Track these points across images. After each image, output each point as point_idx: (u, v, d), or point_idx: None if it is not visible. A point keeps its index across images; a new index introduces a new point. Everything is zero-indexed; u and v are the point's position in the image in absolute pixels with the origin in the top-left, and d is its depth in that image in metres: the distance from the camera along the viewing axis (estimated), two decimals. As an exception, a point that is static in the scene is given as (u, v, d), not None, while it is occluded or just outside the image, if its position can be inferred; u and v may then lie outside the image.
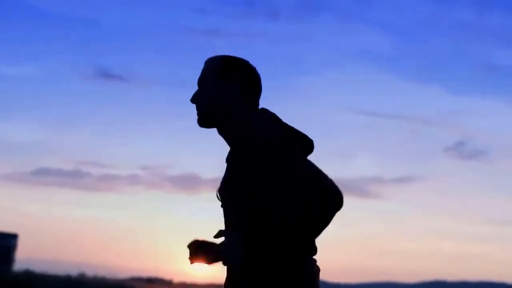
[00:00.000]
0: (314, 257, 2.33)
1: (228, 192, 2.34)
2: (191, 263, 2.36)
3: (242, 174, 2.29)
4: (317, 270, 2.32)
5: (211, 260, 2.33)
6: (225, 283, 2.38)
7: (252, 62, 2.49)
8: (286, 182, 2.23)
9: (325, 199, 2.20)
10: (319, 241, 2.34)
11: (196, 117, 2.45)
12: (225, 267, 2.36)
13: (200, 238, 2.37)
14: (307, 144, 2.37)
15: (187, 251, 2.37)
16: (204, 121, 2.44)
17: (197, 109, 2.45)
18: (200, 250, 2.34)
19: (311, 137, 2.39)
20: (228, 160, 2.42)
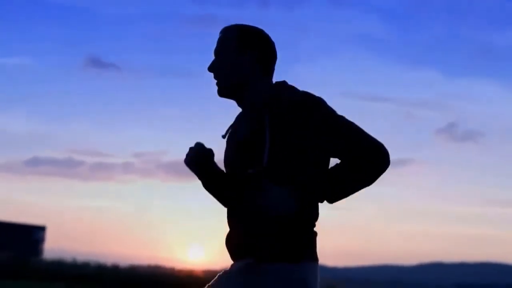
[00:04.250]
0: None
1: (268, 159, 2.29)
2: (184, 161, 2.41)
3: (282, 137, 2.28)
4: None
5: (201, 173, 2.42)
6: (234, 242, 2.39)
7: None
8: (332, 140, 2.27)
9: (375, 155, 2.27)
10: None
11: (216, 87, 2.44)
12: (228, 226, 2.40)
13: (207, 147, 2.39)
14: None
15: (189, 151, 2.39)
16: (224, 91, 2.44)
17: (216, 78, 2.45)
18: (200, 159, 2.38)
19: None
20: (249, 128, 2.39)
